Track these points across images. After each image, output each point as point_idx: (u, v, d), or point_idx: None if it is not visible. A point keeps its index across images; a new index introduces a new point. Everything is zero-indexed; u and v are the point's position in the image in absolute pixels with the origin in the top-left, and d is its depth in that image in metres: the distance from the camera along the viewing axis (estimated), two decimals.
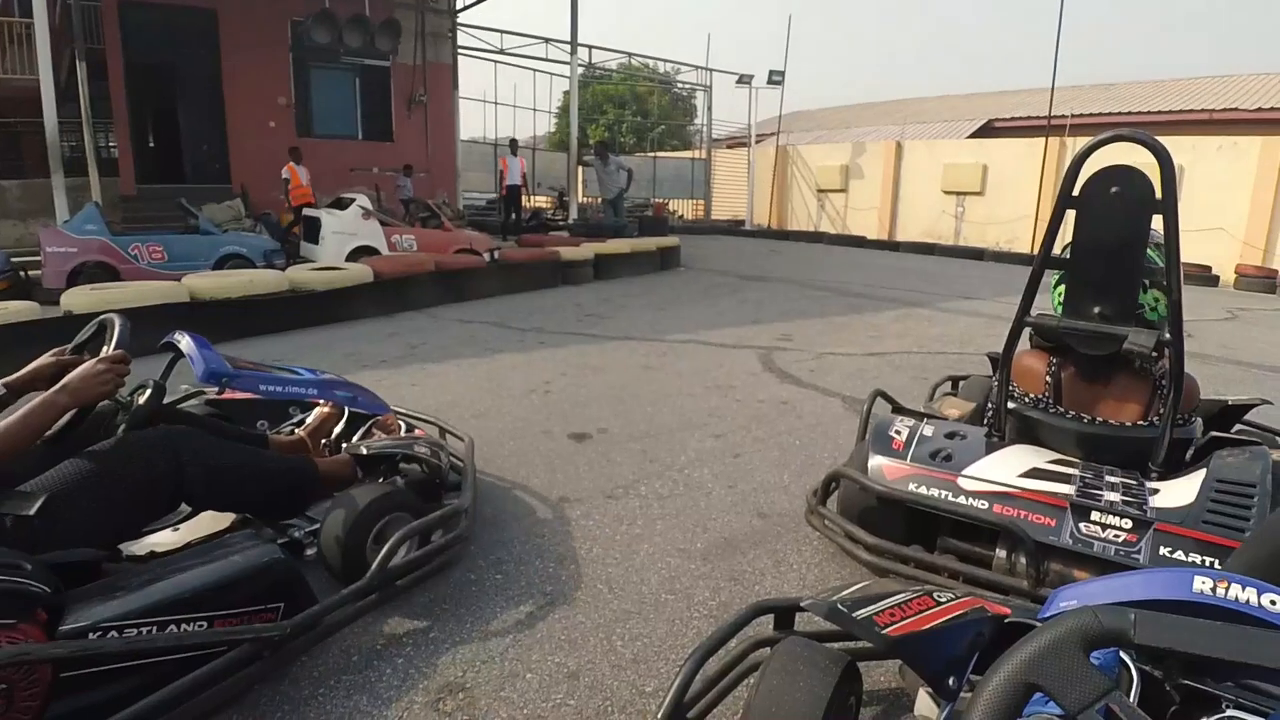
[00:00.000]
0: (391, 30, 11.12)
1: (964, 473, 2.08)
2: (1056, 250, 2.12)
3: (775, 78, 17.53)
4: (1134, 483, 1.99)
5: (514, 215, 12.45)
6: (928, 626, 1.21)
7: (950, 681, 1.21)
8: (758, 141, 18.86)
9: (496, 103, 16.67)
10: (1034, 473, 2.05)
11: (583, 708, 1.57)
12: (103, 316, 1.91)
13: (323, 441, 2.33)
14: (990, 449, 2.18)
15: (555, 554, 2.19)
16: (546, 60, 14.96)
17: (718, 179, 19.71)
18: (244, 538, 1.75)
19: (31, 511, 1.47)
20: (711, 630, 1.46)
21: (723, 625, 1.43)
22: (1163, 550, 1.83)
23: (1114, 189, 1.96)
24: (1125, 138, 1.92)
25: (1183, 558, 1.81)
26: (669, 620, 1.89)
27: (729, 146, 21.18)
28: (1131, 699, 1.09)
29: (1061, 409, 2.17)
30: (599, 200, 13.28)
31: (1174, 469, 2.04)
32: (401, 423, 2.55)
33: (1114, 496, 1.94)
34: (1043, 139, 14.17)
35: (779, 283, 8.67)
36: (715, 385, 4.06)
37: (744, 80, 17.71)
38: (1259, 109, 14.45)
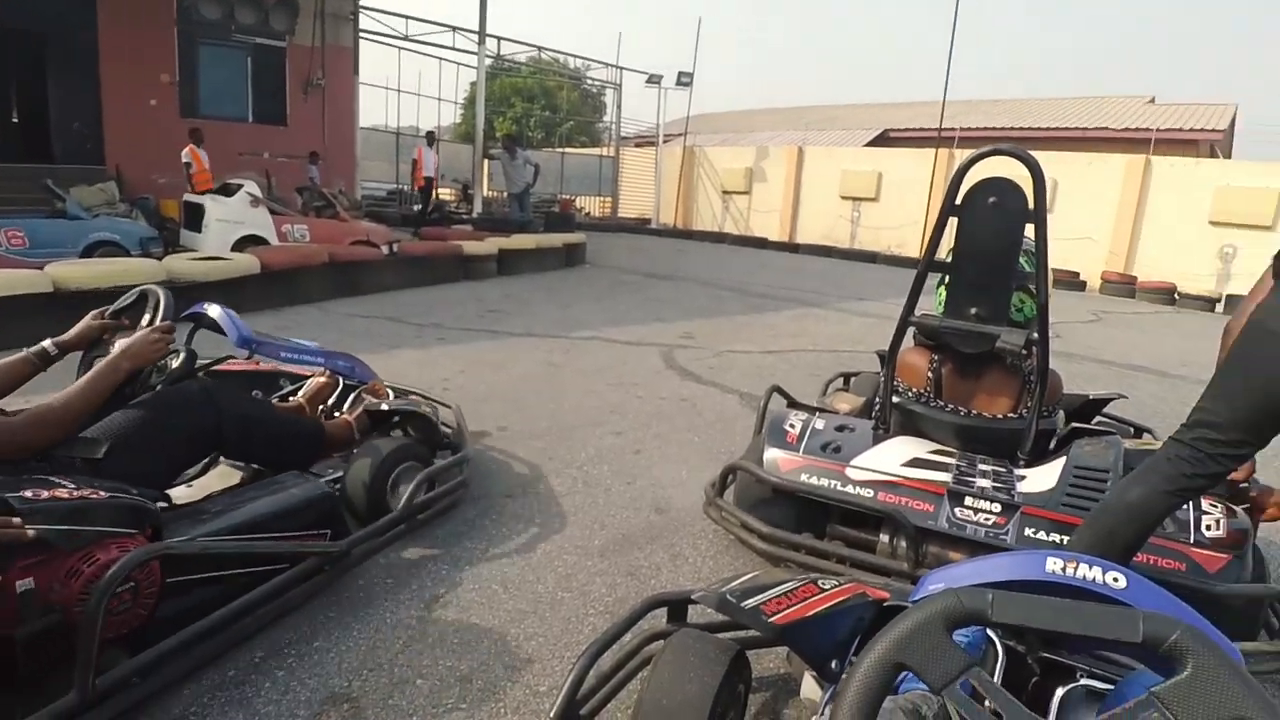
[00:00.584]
0: (288, 9, 10.54)
1: (851, 463, 2.20)
2: (942, 254, 2.24)
3: (684, 79, 17.78)
4: (1003, 470, 2.14)
5: (426, 207, 12.10)
6: (812, 613, 1.24)
7: (833, 665, 1.25)
8: (665, 142, 19.05)
9: (400, 90, 16.10)
10: (915, 462, 2.18)
11: (475, 712, 1.54)
12: (144, 287, 2.20)
13: (319, 408, 2.50)
14: (876, 441, 2.30)
15: (449, 556, 2.14)
16: (453, 49, 14.55)
17: (625, 177, 19.77)
18: (292, 477, 2.00)
19: (100, 455, 1.68)
20: (606, 626, 1.46)
21: (616, 621, 1.43)
22: (1028, 531, 1.99)
23: (991, 199, 2.08)
24: (1003, 152, 2.05)
25: (1045, 538, 1.97)
26: (565, 618, 1.88)
27: (637, 145, 21.30)
28: (996, 672, 1.15)
29: (941, 402, 2.30)
30: (504, 194, 13.07)
31: (1039, 457, 2.20)
32: (390, 389, 2.72)
33: (985, 483, 2.09)
34: (933, 150, 14.96)
35: (683, 281, 8.79)
36: (617, 382, 4.08)
37: (653, 80, 17.85)
38: (1125, 128, 15.82)
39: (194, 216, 7.27)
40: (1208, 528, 1.91)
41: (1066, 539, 1.90)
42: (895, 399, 2.35)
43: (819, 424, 2.37)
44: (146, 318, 2.05)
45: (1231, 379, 1.61)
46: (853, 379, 3.41)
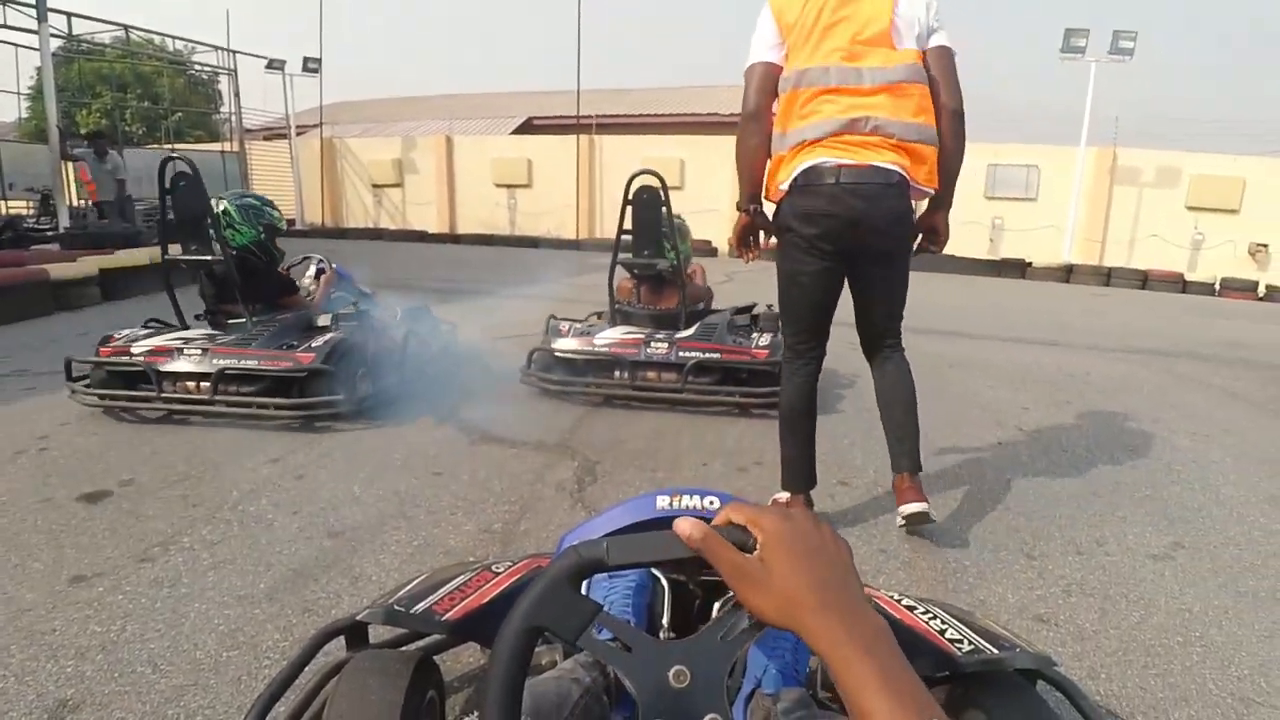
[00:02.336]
0: None
1: (595, 339, 4.09)
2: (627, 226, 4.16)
3: (311, 65, 16.40)
4: (669, 333, 4.10)
5: None
6: (487, 599, 1.26)
7: None
8: (299, 134, 17.45)
9: None
10: (627, 335, 4.11)
11: None
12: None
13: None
14: (609, 328, 4.24)
15: (73, 648, 1.77)
16: (4, 26, 11.53)
17: (257, 174, 17.69)
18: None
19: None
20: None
21: (284, 665, 1.31)
22: (682, 353, 3.91)
23: (645, 195, 4.07)
24: (646, 172, 4.07)
25: (689, 354, 3.89)
26: (234, 680, 1.68)
27: (266, 138, 19.20)
28: (666, 603, 1.29)
29: (639, 304, 4.41)
30: (94, 203, 10.82)
31: (688, 325, 4.22)
32: None
33: (662, 337, 4.05)
34: (574, 136, 15.83)
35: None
36: None
37: (274, 66, 16.18)
38: (731, 113, 18.30)
39: None
40: (757, 344, 3.97)
41: (699, 354, 3.91)
42: (616, 306, 4.40)
43: (577, 325, 4.28)
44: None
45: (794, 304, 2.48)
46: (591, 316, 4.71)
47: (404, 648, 1.47)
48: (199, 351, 3.53)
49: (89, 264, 6.89)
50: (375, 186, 17.67)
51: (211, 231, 3.68)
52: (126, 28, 14.66)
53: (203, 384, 3.45)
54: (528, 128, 20.03)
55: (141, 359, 3.53)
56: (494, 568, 1.39)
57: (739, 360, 3.86)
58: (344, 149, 17.92)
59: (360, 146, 18.00)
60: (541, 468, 2.99)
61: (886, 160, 2.12)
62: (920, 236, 2.42)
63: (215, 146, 18.55)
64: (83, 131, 15.61)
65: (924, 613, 1.24)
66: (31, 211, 13.29)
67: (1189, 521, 2.72)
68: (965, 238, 14.66)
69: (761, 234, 2.39)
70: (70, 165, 11.54)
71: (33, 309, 6.10)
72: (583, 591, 0.62)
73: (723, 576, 0.57)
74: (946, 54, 2.20)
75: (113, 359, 3.58)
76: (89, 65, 21.18)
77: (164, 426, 3.39)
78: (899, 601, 1.29)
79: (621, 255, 4.22)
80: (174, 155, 3.95)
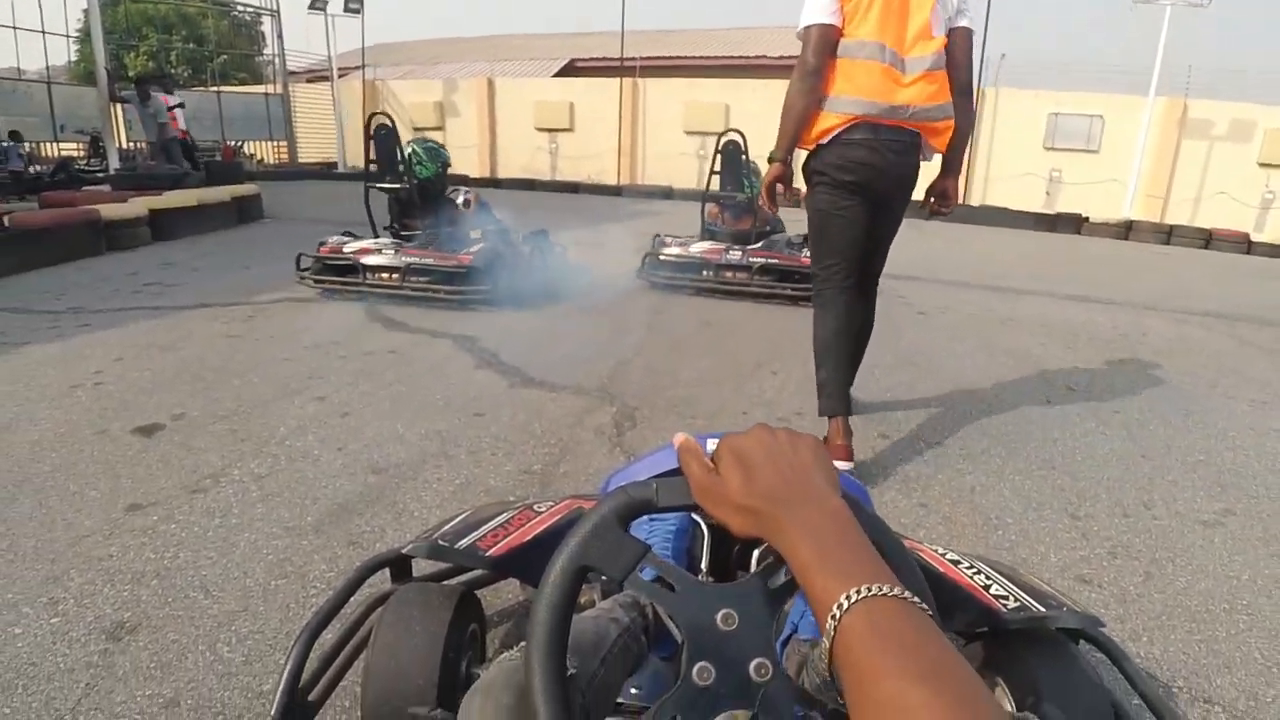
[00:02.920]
0: None
1: (690, 248, 5.58)
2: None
3: (353, 5, 16.20)
4: (743, 249, 5.45)
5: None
6: (530, 537, 1.27)
7: None
8: (341, 76, 17.39)
9: None
10: (712, 246, 5.57)
11: None
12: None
13: None
14: (700, 241, 5.73)
15: (130, 573, 1.85)
16: None
17: (301, 118, 17.76)
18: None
19: None
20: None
21: (330, 595, 1.35)
22: (751, 259, 5.36)
23: (730, 146, 5.48)
24: (733, 130, 5.62)
25: (756, 260, 5.34)
26: (283, 608, 1.74)
27: (309, 81, 19.22)
28: (705, 547, 1.30)
29: (722, 225, 5.82)
30: (145, 145, 11.00)
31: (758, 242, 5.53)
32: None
33: (737, 248, 5.46)
34: (617, 79, 15.51)
35: None
36: (314, 344, 3.76)
37: (317, 6, 16.00)
38: (780, 56, 17.74)
39: None
40: (804, 254, 5.09)
41: (761, 260, 5.35)
42: (706, 226, 5.89)
43: (680, 239, 5.80)
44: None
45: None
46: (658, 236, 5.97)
47: (446, 582, 1.50)
48: (392, 251, 4.81)
49: (138, 205, 7.00)
50: (416, 129, 17.61)
51: (401, 166, 4.97)
52: None
53: (394, 275, 4.70)
54: (570, 70, 19.68)
55: (351, 256, 4.83)
56: (535, 507, 1.40)
57: (792, 264, 5.25)
58: (386, 91, 17.86)
59: (402, 89, 17.92)
60: (581, 412, 3.00)
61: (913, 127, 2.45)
62: (932, 199, 2.69)
63: (259, 89, 18.65)
64: (131, 75, 15.77)
65: (969, 567, 1.22)
66: (82, 153, 13.59)
67: (1242, 488, 2.63)
68: (1020, 190, 14.12)
69: (787, 184, 2.57)
70: (119, 107, 11.72)
71: (85, 249, 6.24)
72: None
73: (693, 493, 0.60)
74: (967, 35, 2.44)
75: (330, 255, 4.91)
76: (135, 7, 21.30)
77: (215, 359, 3.48)
78: (944, 556, 1.27)
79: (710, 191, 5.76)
80: (378, 111, 5.24)
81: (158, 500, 2.21)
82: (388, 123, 4.96)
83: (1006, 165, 14.38)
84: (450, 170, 5.33)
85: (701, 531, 1.32)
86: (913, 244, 9.44)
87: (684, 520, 1.38)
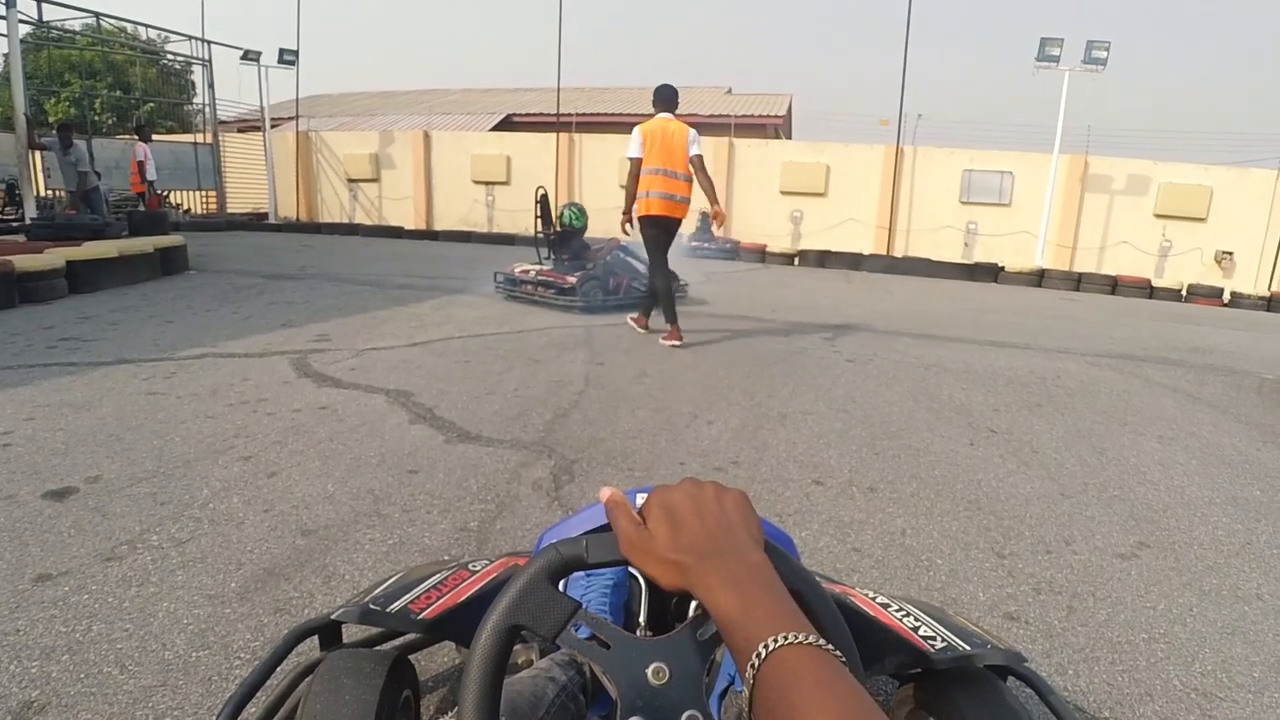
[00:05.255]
0: None
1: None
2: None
3: (287, 57, 16.15)
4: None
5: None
6: (463, 598, 1.25)
7: None
8: (274, 126, 17.19)
9: None
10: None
11: None
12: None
13: None
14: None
15: (38, 649, 1.73)
16: None
17: (231, 167, 17.42)
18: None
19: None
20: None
21: (256, 665, 1.29)
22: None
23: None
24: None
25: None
26: (204, 680, 1.65)
27: (240, 130, 18.90)
28: (643, 600, 1.29)
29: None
30: (64, 194, 10.60)
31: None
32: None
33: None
34: (554, 134, 15.78)
35: (313, 280, 8.11)
36: (240, 401, 3.63)
37: (250, 56, 15.90)
38: (711, 114, 18.41)
39: None
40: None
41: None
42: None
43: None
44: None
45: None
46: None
47: (378, 647, 1.46)
48: (533, 271, 7.44)
49: (55, 256, 6.71)
50: (351, 181, 17.47)
51: (553, 216, 7.63)
52: (98, 15, 14.32)
53: (535, 288, 7.28)
54: (507, 124, 19.93)
55: (518, 273, 7.54)
56: (470, 566, 1.38)
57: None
58: (320, 142, 17.70)
59: (336, 140, 17.79)
60: (518, 466, 2.97)
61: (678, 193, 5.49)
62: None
63: (188, 137, 18.23)
64: (50, 121, 15.25)
65: (897, 610, 1.25)
66: None
67: (1154, 521, 2.78)
68: (940, 241, 14.87)
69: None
70: (38, 155, 11.29)
71: None
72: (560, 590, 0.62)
73: (621, 548, 0.60)
74: (699, 158, 5.43)
75: (512, 274, 7.58)
76: (58, 53, 20.72)
77: (134, 419, 3.32)
78: (874, 599, 1.31)
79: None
80: (540, 187, 8.03)
81: (69, 569, 2.07)
82: (545, 191, 7.74)
83: (926, 218, 15.15)
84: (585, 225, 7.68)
85: (639, 585, 1.32)
86: (841, 294, 9.83)
87: (620, 574, 1.38)
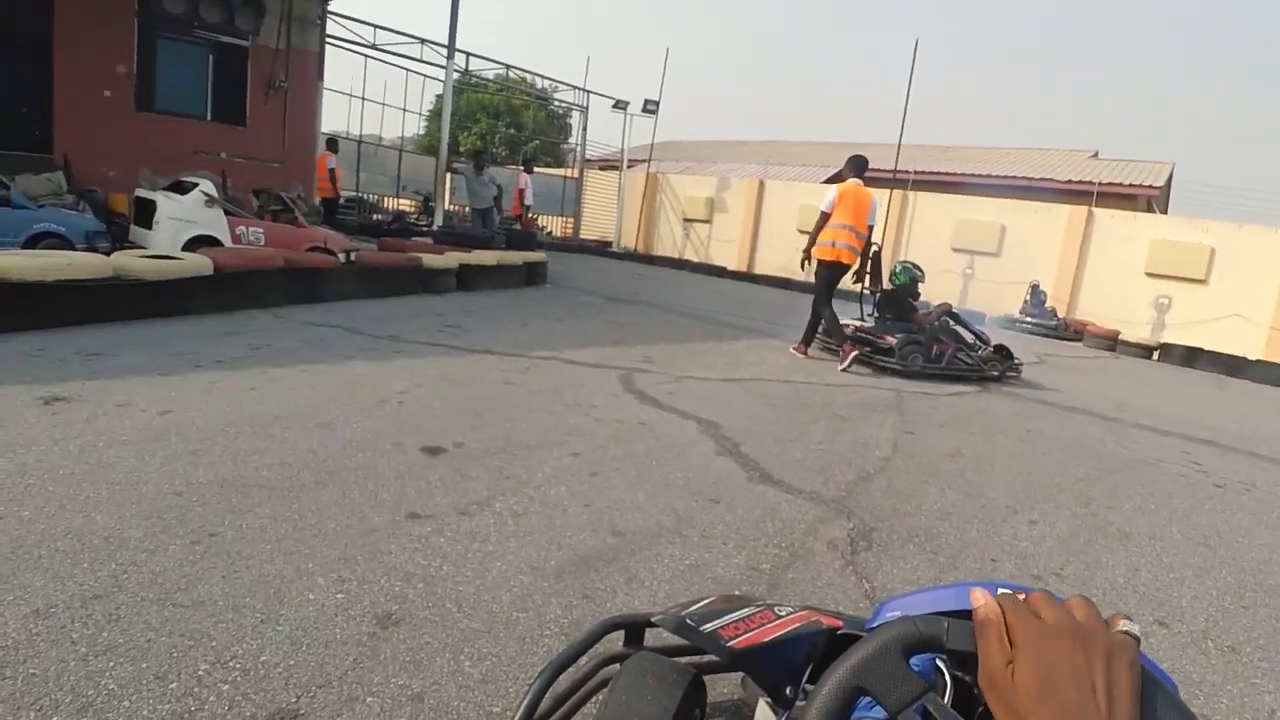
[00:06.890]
0: (254, 9, 10.43)
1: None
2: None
3: (650, 106, 17.99)
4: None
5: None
6: (768, 639, 1.26)
7: (788, 690, 1.27)
8: (629, 166, 19.23)
9: (364, 98, 15.95)
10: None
11: None
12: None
13: None
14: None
15: (402, 571, 2.11)
16: (420, 61, 14.49)
17: (588, 199, 19.87)
18: None
19: None
20: (562, 647, 1.46)
21: (573, 642, 1.42)
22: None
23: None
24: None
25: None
26: (519, 639, 1.87)
27: (601, 168, 21.44)
28: (946, 700, 1.19)
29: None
30: (465, 209, 12.99)
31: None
32: None
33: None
34: (888, 190, 15.41)
35: (643, 306, 8.85)
36: (575, 404, 4.08)
37: (620, 105, 18.02)
38: (1069, 180, 16.63)
39: (145, 213, 7.06)
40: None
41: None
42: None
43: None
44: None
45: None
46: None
47: (677, 659, 1.52)
48: (851, 327, 7.01)
49: (451, 258, 8.24)
50: (686, 220, 18.79)
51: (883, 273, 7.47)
52: (508, 66, 17.38)
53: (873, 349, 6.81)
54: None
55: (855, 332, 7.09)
56: (776, 610, 1.38)
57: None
58: (665, 183, 19.35)
59: (679, 182, 19.30)
60: (815, 520, 2.91)
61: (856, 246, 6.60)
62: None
63: (559, 172, 21.23)
64: (461, 150, 18.82)
65: None
66: (414, 210, 16.35)
67: None
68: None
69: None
70: (449, 176, 14.04)
71: (406, 288, 7.50)
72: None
73: (980, 677, 0.54)
74: (872, 228, 6.67)
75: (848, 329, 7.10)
76: (474, 96, 25.52)
77: (492, 401, 3.90)
78: None
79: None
80: (875, 243, 7.50)
81: (433, 514, 2.50)
82: (879, 246, 7.58)
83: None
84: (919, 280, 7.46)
85: (944, 681, 1.21)
86: (1213, 402, 8.07)
87: (925, 666, 1.28)
